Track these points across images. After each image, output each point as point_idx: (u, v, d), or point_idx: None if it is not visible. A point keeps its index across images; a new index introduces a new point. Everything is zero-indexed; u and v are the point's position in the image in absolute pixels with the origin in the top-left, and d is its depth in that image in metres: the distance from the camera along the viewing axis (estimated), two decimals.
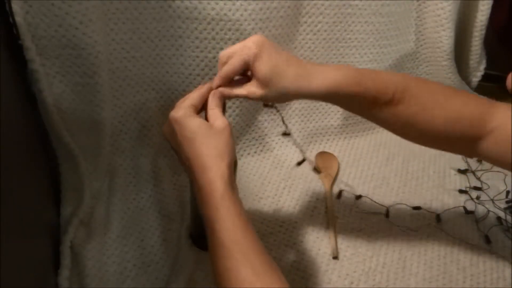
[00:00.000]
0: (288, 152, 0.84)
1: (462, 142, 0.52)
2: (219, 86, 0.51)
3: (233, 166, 0.47)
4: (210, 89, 0.51)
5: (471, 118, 0.51)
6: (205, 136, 0.46)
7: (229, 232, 0.42)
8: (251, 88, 0.50)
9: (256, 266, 0.41)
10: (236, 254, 0.41)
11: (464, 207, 0.75)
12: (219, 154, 0.45)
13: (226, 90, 0.51)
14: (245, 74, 0.53)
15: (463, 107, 0.52)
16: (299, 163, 0.82)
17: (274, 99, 0.53)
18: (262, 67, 0.49)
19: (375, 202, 0.74)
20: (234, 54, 0.50)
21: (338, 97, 0.51)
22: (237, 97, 0.52)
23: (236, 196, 0.45)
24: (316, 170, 0.81)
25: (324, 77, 0.49)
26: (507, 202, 0.76)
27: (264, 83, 0.49)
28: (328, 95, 0.50)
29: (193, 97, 0.49)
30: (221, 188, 0.44)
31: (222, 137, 0.46)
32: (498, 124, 0.50)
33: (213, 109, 0.49)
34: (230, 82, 0.52)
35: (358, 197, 0.76)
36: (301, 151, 0.84)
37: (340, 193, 0.76)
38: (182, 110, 0.47)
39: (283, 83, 0.49)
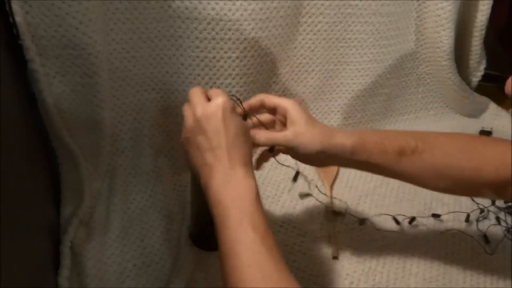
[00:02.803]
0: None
1: (493, 186, 0.52)
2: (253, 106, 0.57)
3: None
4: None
5: (494, 162, 0.52)
6: (244, 135, 0.50)
7: (268, 235, 0.46)
8: (285, 133, 0.54)
9: (285, 272, 0.45)
10: (273, 258, 0.44)
11: (433, 214, 0.73)
12: (251, 154, 0.50)
13: (267, 133, 0.56)
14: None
15: (485, 150, 0.53)
16: (295, 178, 0.79)
17: (301, 151, 0.54)
18: (300, 115, 0.54)
19: (377, 229, 0.71)
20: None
21: (365, 150, 0.53)
22: (271, 141, 0.55)
23: None
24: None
25: (345, 132, 0.54)
26: (505, 202, 0.76)
27: (298, 130, 0.53)
28: (355, 149, 0.53)
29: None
30: (256, 188, 0.47)
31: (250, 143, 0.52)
32: None
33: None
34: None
35: (362, 221, 0.71)
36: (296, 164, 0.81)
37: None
38: (230, 102, 0.49)
39: (313, 134, 0.53)
